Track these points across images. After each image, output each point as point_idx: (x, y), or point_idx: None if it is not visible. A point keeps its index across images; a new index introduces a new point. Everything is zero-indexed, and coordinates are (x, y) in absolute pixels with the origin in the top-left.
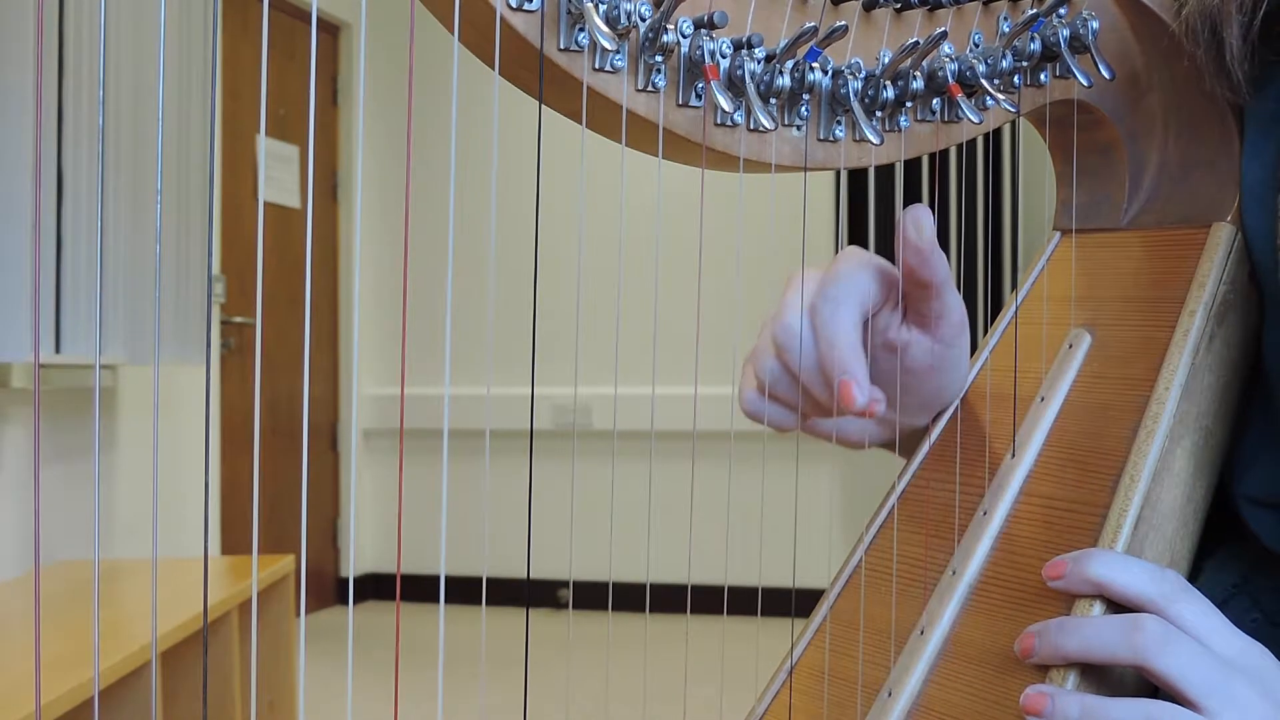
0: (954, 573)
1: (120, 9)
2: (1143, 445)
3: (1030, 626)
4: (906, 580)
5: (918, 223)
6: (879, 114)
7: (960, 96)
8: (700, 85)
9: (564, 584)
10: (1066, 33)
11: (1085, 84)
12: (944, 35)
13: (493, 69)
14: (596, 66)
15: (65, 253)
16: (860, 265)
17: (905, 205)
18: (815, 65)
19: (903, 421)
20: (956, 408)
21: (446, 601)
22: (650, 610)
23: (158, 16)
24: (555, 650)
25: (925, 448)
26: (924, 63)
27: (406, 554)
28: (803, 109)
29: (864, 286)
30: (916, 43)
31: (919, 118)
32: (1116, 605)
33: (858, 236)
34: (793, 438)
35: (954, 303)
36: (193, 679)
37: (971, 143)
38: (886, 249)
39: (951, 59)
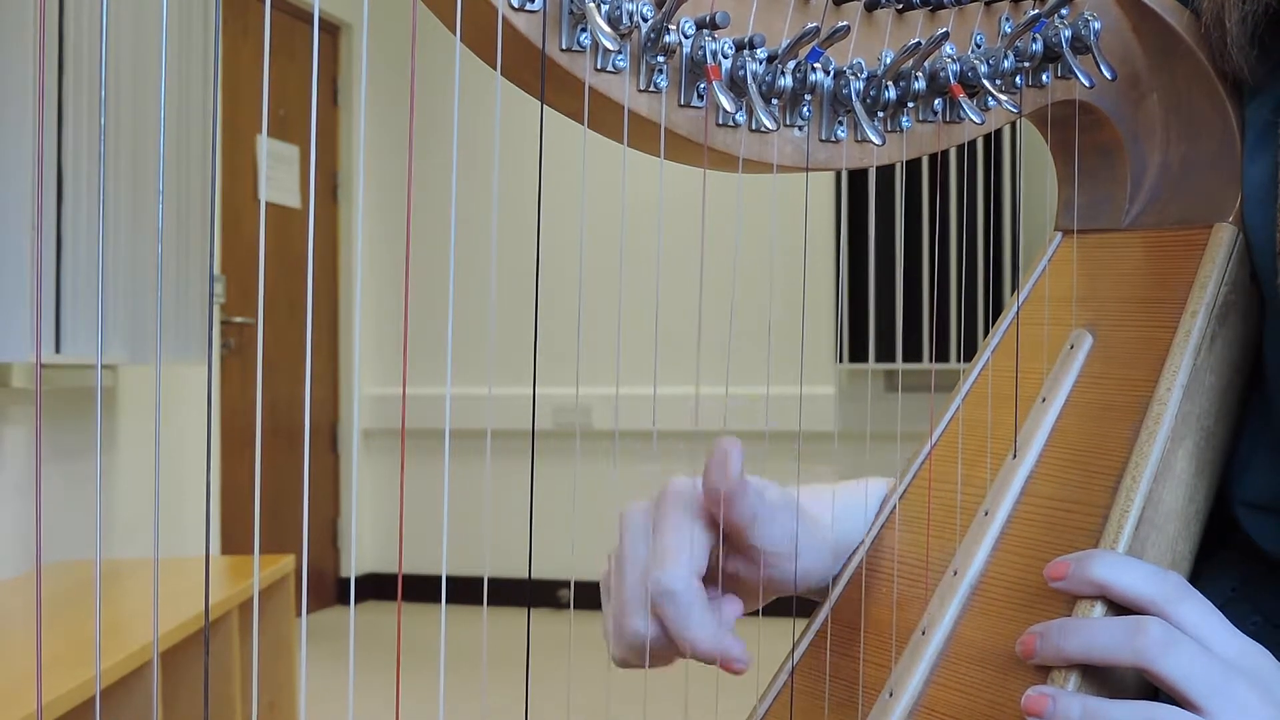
0: (955, 573)
1: (120, 9)
2: (1144, 446)
3: (1032, 627)
4: (908, 580)
5: (723, 466)
6: (881, 114)
7: (962, 97)
8: (702, 86)
9: (565, 584)
10: (1068, 33)
11: (1087, 85)
12: (946, 36)
13: (494, 69)
14: (598, 67)
15: (65, 253)
16: (686, 522)
17: (905, 206)
18: (817, 66)
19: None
20: (959, 407)
21: (447, 602)
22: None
23: (158, 16)
24: (557, 650)
25: (927, 448)
26: (926, 63)
27: (406, 554)
28: (804, 109)
29: (696, 558)
30: (918, 43)
31: (921, 118)
32: (1118, 606)
33: (858, 236)
34: (794, 439)
35: (764, 536)
36: (193, 679)
37: (972, 143)
38: (887, 249)
39: (953, 59)
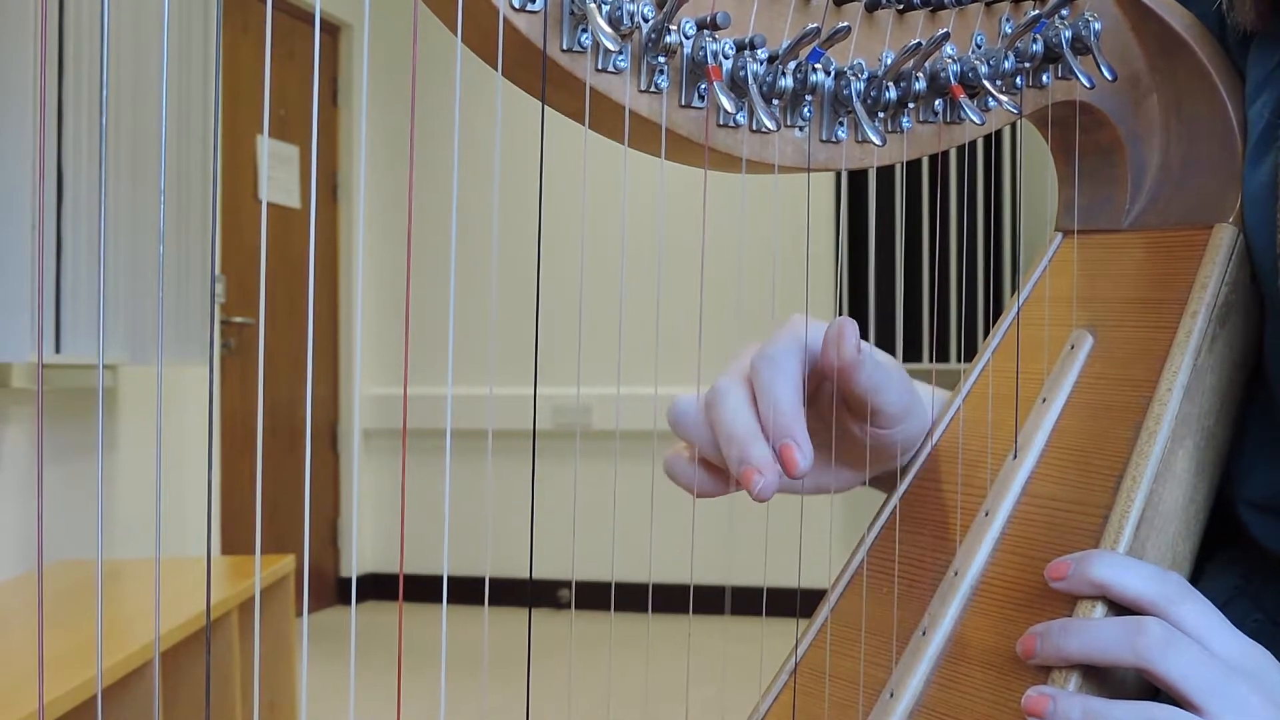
0: (956, 573)
1: (120, 9)
2: (1145, 446)
3: (1032, 627)
4: (908, 581)
5: (839, 339)
6: (881, 115)
7: (963, 98)
8: (703, 86)
9: (565, 584)
10: (1069, 34)
11: (1087, 85)
12: (946, 36)
13: (495, 70)
14: (599, 67)
15: (66, 253)
16: (799, 328)
17: (905, 206)
18: (818, 66)
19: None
20: (959, 407)
21: (448, 602)
22: (652, 610)
23: (158, 16)
24: (557, 651)
25: (927, 448)
26: (926, 64)
27: (407, 554)
28: (805, 110)
29: (799, 349)
30: (919, 44)
31: (921, 119)
32: (1119, 607)
33: (858, 237)
34: None
35: (887, 401)
36: (193, 679)
37: (972, 143)
38: (887, 250)
39: (954, 60)
